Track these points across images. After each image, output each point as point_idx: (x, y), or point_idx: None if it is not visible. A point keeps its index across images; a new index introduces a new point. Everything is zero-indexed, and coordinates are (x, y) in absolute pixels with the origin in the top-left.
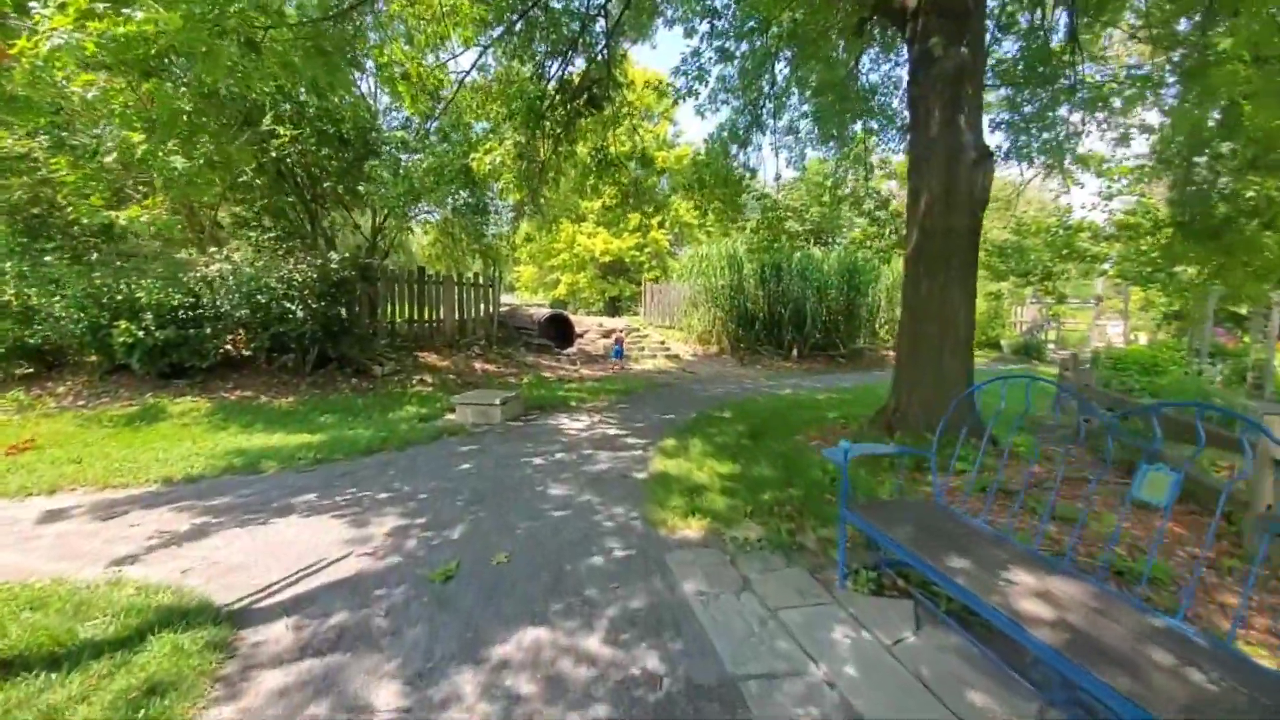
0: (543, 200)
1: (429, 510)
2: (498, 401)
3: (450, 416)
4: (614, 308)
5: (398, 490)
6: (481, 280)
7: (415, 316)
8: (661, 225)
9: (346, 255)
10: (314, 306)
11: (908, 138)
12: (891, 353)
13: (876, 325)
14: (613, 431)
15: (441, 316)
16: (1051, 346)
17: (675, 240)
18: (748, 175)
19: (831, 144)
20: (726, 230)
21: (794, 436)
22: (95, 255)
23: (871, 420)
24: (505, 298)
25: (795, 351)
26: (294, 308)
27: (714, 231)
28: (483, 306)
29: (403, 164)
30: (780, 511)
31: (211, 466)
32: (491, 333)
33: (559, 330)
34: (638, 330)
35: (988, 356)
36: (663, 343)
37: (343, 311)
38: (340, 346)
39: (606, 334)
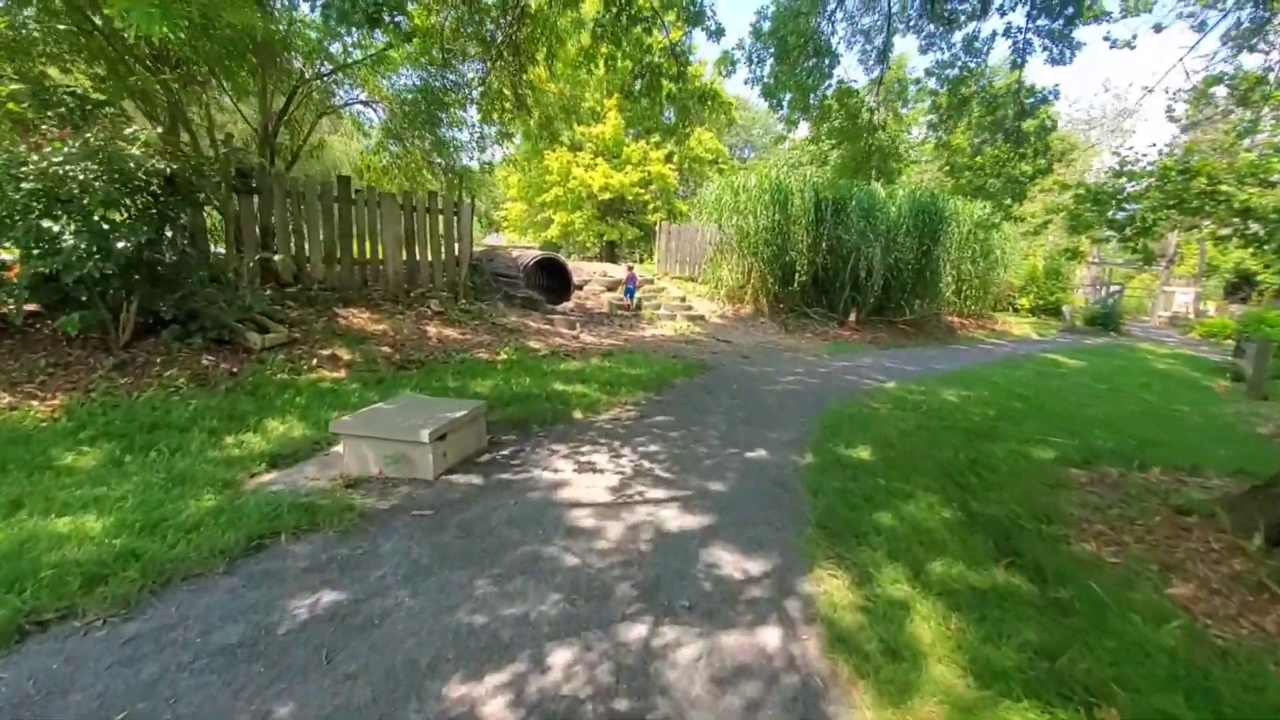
0: (526, 86)
1: None
2: (425, 436)
3: (336, 451)
4: (611, 254)
5: None
6: (441, 204)
7: (338, 254)
8: (669, 159)
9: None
10: (102, 229)
11: None
12: (961, 320)
13: (941, 285)
14: (671, 514)
15: (382, 256)
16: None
17: (683, 179)
18: (833, 46)
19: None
20: (785, 133)
21: (1043, 523)
22: None
23: (1235, 505)
24: (489, 238)
25: (853, 316)
26: (60, 228)
27: (727, 168)
28: (445, 243)
29: None
30: None
31: None
32: (458, 281)
33: (552, 279)
34: (651, 282)
35: (1050, 328)
36: (683, 299)
37: (178, 239)
38: (180, 300)
39: (611, 286)
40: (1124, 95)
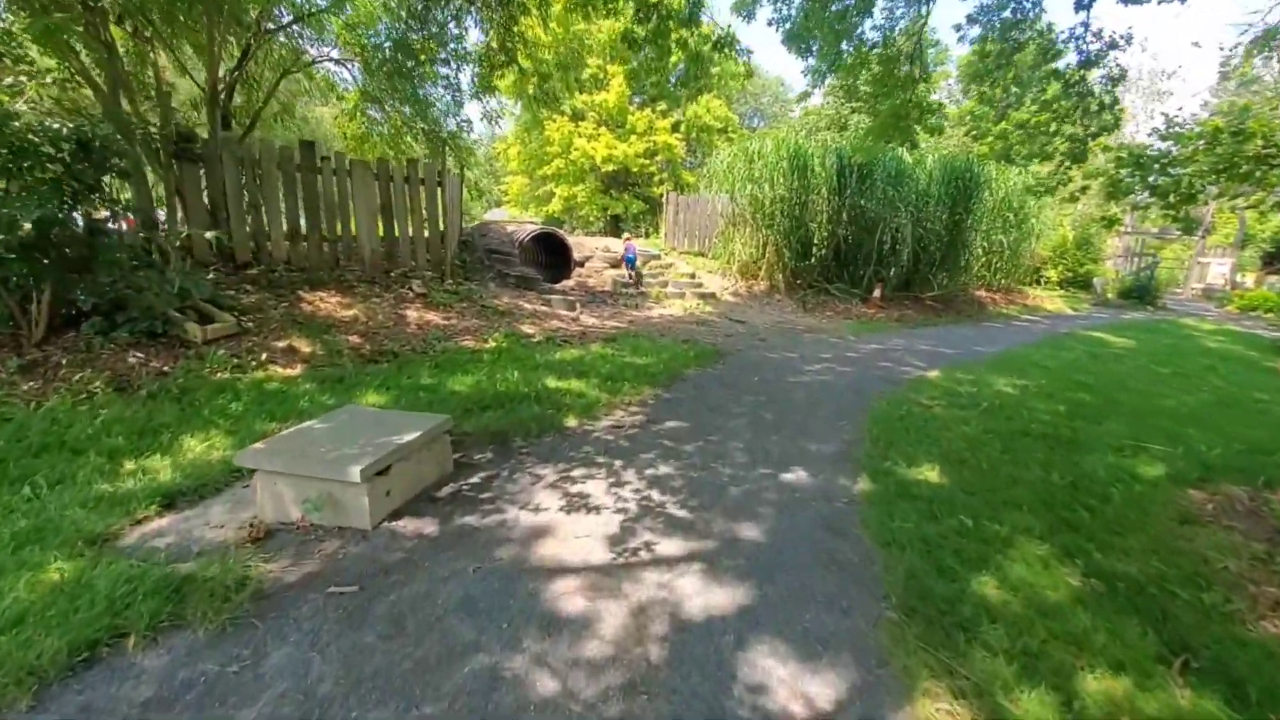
0: (518, 38)
1: None
2: (356, 474)
3: (243, 489)
4: (616, 228)
5: None
6: (423, 174)
7: (304, 229)
8: (676, 128)
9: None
10: None
11: None
12: (991, 295)
13: (970, 258)
14: (692, 584)
15: (355, 232)
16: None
17: (691, 150)
18: None
19: None
20: (810, 88)
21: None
22: None
23: None
24: (490, 214)
25: (877, 292)
26: None
27: (736, 137)
28: (429, 217)
29: None
30: None
31: None
32: (444, 259)
33: (551, 256)
34: (658, 258)
35: (1083, 302)
36: (692, 276)
37: (90, 210)
38: (101, 287)
39: (615, 262)
40: (1160, 56)
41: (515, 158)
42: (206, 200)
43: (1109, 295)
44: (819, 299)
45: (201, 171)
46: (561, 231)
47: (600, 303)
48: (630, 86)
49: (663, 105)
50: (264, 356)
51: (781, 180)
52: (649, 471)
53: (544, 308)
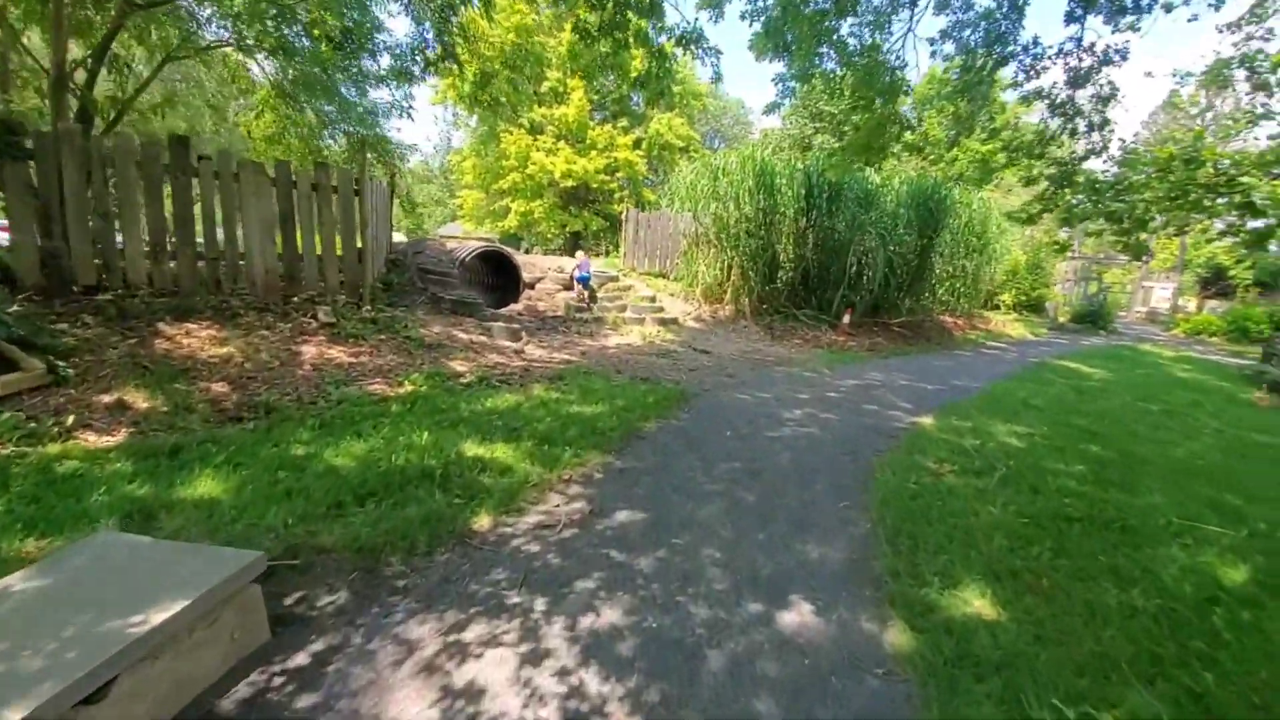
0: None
1: None
2: (17, 715)
3: None
4: (576, 246)
5: None
6: (336, 179)
7: (178, 243)
8: (638, 145)
9: None
10: None
11: None
12: (954, 320)
13: (934, 282)
14: None
15: (243, 248)
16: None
17: (652, 168)
18: None
19: None
20: (782, 100)
21: None
22: None
23: None
24: (444, 229)
25: (846, 318)
26: None
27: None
28: (343, 231)
29: None
30: None
31: None
32: (363, 280)
33: (499, 276)
34: (616, 279)
35: (1040, 327)
36: (653, 299)
37: None
38: None
39: (568, 284)
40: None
41: (470, 170)
42: (37, 207)
43: (1061, 319)
44: (786, 325)
45: (33, 171)
46: (506, 249)
47: (550, 330)
48: (588, 94)
49: (624, 122)
50: (72, 420)
51: (747, 198)
52: (586, 624)
53: (483, 338)
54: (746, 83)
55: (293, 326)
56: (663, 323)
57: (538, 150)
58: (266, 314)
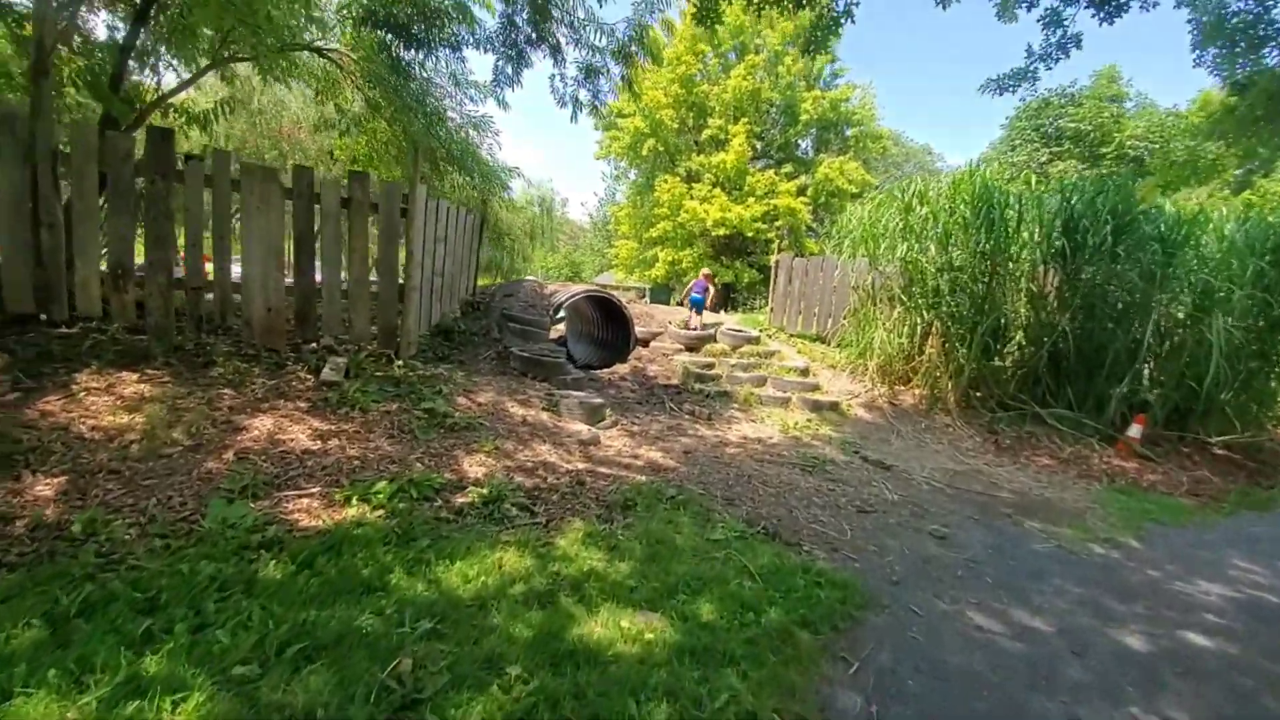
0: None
1: None
2: None
3: None
4: (727, 298)
5: None
6: (377, 193)
7: (149, 266)
8: (802, 192)
9: None
10: None
11: None
12: None
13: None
14: None
15: (239, 276)
16: None
17: (817, 217)
18: None
19: None
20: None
21: None
22: None
23: None
24: (601, 278)
25: (1136, 431)
26: None
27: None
28: (381, 261)
29: None
30: None
31: None
32: (400, 326)
33: (608, 329)
34: (756, 340)
35: None
36: (805, 372)
37: None
38: None
39: (694, 344)
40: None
41: (625, 220)
42: None
43: None
44: (1020, 429)
45: None
46: (616, 296)
47: (653, 405)
48: (749, 140)
49: (788, 168)
50: None
51: (960, 235)
52: None
53: (544, 415)
54: (936, 127)
55: (274, 384)
56: (816, 408)
57: (691, 198)
58: (255, 364)
